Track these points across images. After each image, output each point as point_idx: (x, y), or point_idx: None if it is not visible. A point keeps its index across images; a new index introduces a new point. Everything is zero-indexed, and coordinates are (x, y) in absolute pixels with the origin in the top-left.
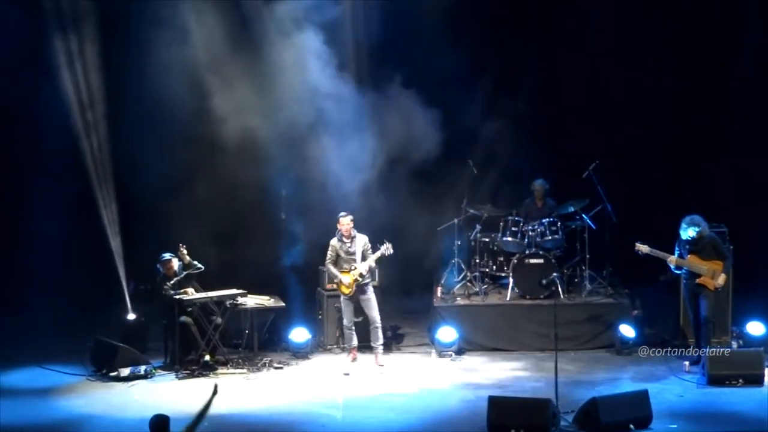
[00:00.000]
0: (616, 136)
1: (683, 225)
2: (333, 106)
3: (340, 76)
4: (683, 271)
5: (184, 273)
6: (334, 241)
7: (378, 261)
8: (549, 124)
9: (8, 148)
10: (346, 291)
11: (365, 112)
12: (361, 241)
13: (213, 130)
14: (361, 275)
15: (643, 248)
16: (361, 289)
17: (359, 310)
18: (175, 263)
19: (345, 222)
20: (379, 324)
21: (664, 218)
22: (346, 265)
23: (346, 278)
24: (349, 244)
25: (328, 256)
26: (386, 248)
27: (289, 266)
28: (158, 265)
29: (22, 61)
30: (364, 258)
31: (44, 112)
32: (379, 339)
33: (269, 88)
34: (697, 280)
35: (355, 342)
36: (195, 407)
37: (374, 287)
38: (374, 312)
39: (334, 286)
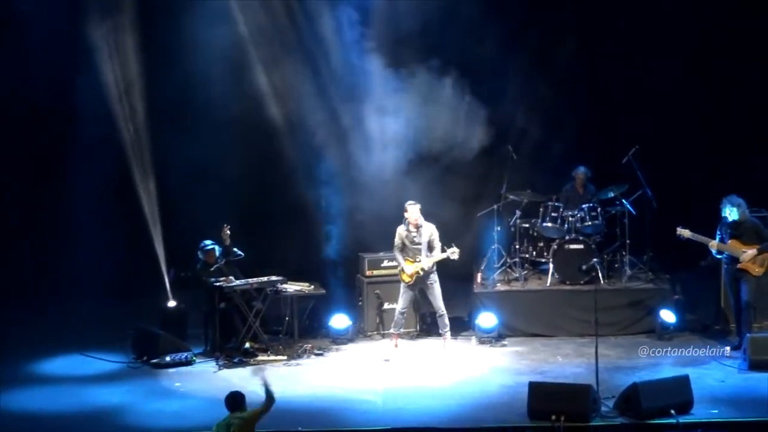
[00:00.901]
0: (657, 121)
1: (724, 205)
2: (374, 89)
3: (378, 59)
4: (724, 255)
5: (224, 260)
6: (401, 229)
7: (440, 261)
8: (588, 108)
9: (47, 136)
10: (407, 280)
11: (404, 96)
12: (428, 231)
13: (253, 114)
14: (423, 270)
15: (684, 233)
16: (424, 277)
17: (418, 298)
18: (217, 251)
19: (412, 211)
20: (444, 311)
21: (704, 203)
22: (411, 255)
23: (409, 268)
24: (415, 234)
25: (395, 242)
26: (453, 252)
27: (328, 253)
28: (199, 253)
29: (60, 46)
30: (429, 248)
31: (82, 99)
32: (446, 326)
33: (309, 69)
34: (738, 265)
35: (401, 329)
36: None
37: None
38: (439, 301)
39: (399, 273)
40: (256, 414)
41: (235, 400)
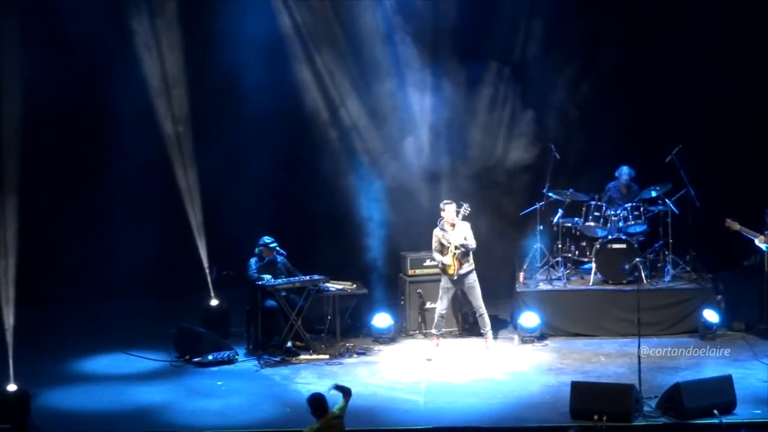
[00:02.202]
0: (701, 120)
1: None
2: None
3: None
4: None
5: (267, 259)
6: (436, 231)
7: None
8: (631, 107)
9: (90, 133)
10: (451, 271)
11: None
12: (462, 229)
13: (296, 111)
14: (456, 247)
15: (734, 225)
16: (464, 277)
17: (458, 299)
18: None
19: (449, 210)
20: (484, 311)
21: (747, 203)
22: (447, 254)
23: (447, 259)
24: (450, 233)
25: (433, 245)
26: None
27: (371, 253)
28: (258, 249)
29: (101, 39)
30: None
31: (123, 94)
32: (486, 325)
33: (350, 61)
34: None
35: (442, 329)
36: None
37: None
38: (479, 300)
39: (441, 273)
40: (344, 408)
41: (320, 402)
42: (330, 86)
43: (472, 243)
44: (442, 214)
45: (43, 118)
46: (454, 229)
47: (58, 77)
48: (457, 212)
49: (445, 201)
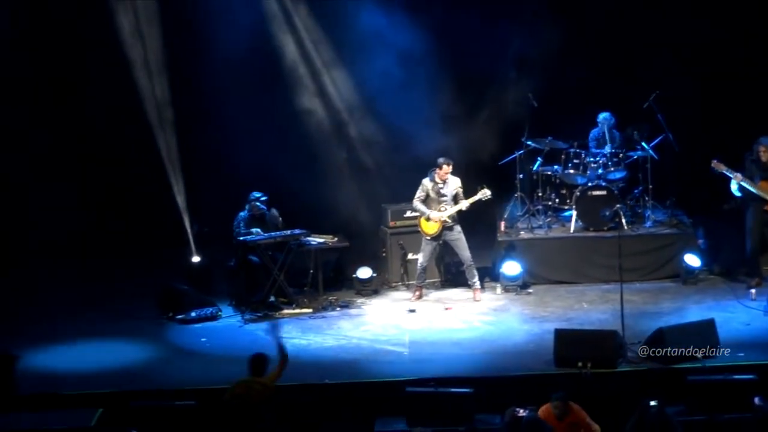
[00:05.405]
0: (680, 65)
1: (758, 144)
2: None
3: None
4: (753, 194)
5: (255, 214)
6: (426, 180)
7: (471, 204)
8: (609, 52)
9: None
10: (430, 231)
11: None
12: (454, 183)
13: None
14: (450, 217)
15: (719, 166)
16: (448, 230)
17: (442, 251)
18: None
19: (446, 169)
20: (471, 262)
21: (727, 147)
22: (434, 207)
23: (436, 215)
24: (441, 185)
25: (418, 194)
26: (483, 194)
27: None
28: (247, 204)
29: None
30: (455, 200)
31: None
32: (474, 276)
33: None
34: (765, 207)
35: (424, 281)
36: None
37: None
38: (466, 252)
39: (419, 226)
40: (274, 378)
41: (259, 363)
42: (307, 39)
43: (464, 205)
44: (439, 171)
45: None
46: (445, 184)
47: None
48: (479, 199)
49: (442, 159)
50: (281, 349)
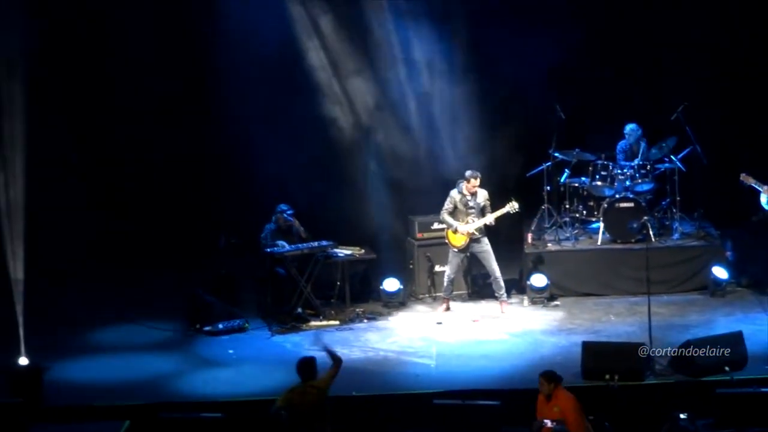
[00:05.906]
0: (707, 77)
1: None
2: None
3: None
4: None
5: (282, 227)
6: (454, 192)
7: (499, 218)
8: (636, 65)
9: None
10: (457, 243)
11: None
12: (482, 195)
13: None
14: (477, 229)
15: (748, 179)
16: (475, 242)
17: (469, 264)
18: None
19: (474, 182)
20: (499, 275)
21: (754, 160)
22: (462, 218)
23: (464, 228)
24: (469, 198)
25: (446, 206)
26: (512, 206)
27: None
28: (274, 216)
29: None
30: (482, 213)
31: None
32: (501, 288)
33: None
34: None
35: (451, 293)
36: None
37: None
38: (493, 264)
39: (446, 238)
40: (329, 381)
41: (309, 366)
42: (333, 48)
43: (491, 218)
44: (467, 184)
45: None
46: (473, 196)
47: None
48: (507, 212)
49: (470, 172)
50: (332, 354)
